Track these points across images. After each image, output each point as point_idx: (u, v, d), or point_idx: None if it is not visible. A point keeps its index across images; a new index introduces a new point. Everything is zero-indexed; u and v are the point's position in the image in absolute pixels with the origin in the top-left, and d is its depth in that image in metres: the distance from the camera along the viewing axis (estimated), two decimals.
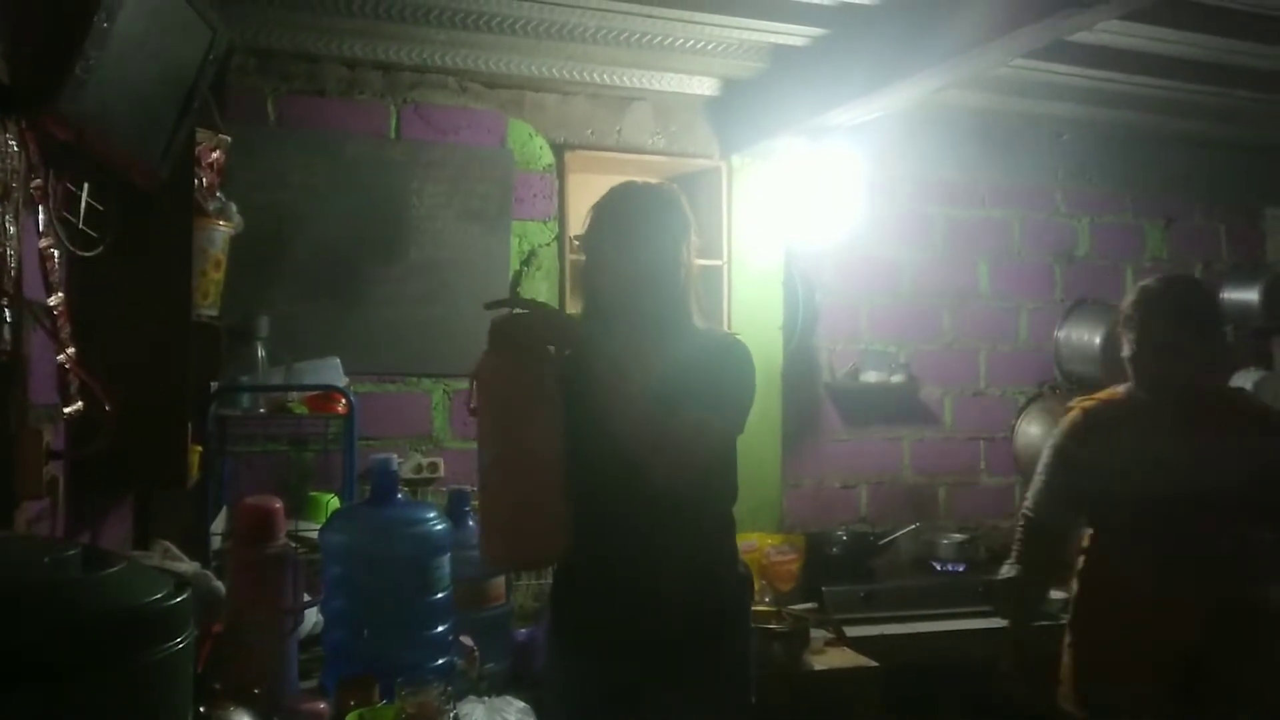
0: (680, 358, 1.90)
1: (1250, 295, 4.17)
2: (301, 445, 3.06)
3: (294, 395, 2.83)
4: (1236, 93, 3.42)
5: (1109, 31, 2.82)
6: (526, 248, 3.41)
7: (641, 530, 1.88)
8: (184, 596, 0.74)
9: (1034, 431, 3.96)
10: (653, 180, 2.12)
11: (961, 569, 3.53)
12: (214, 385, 2.65)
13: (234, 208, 2.54)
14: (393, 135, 3.29)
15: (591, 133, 3.51)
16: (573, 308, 3.39)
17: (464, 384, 3.26)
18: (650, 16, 2.84)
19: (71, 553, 0.76)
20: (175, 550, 2.24)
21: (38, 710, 0.66)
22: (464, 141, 3.35)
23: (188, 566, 2.18)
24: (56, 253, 1.76)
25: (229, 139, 2.49)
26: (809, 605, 3.20)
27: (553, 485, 1.82)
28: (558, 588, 2.04)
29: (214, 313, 2.45)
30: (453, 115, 3.35)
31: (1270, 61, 3.10)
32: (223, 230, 2.41)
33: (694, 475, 1.81)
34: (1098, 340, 3.92)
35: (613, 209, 1.99)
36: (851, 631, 3.06)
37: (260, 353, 2.83)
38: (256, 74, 3.14)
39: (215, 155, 2.39)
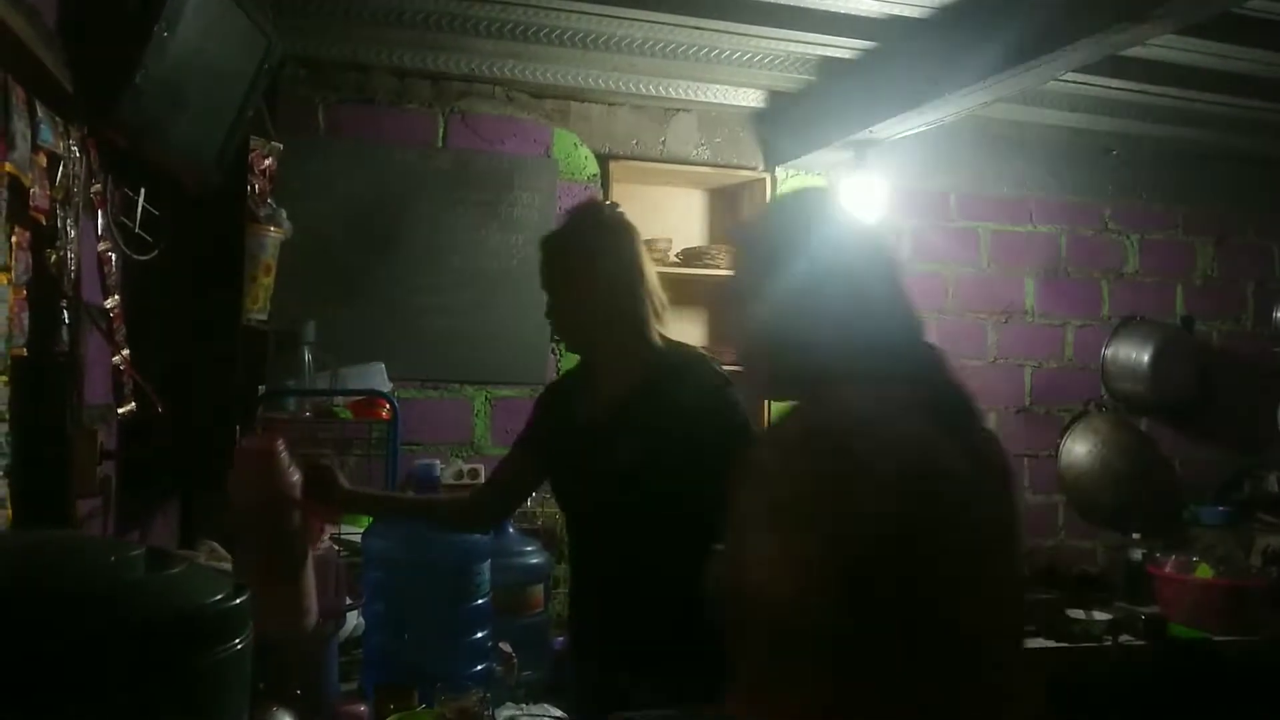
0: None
1: None
2: (345, 449, 3.09)
3: (339, 400, 2.86)
4: None
5: (1162, 46, 2.78)
6: None
7: (622, 555, 1.90)
8: (244, 598, 0.76)
9: (1079, 450, 3.90)
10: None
11: None
12: (261, 389, 2.69)
13: (284, 214, 2.57)
14: (439, 144, 3.32)
15: (636, 143, 3.52)
16: None
17: (506, 391, 3.32)
18: (697, 29, 2.85)
19: (136, 553, 0.77)
20: (221, 550, 2.27)
21: (105, 710, 0.68)
22: (510, 151, 3.38)
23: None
24: (114, 256, 1.80)
25: (281, 146, 2.53)
26: None
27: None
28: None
29: (263, 317, 2.49)
30: (499, 125, 3.38)
31: None
32: (273, 236, 2.45)
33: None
34: (1146, 358, 3.87)
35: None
36: None
37: (307, 357, 2.87)
38: (307, 84, 3.19)
39: (268, 162, 2.43)
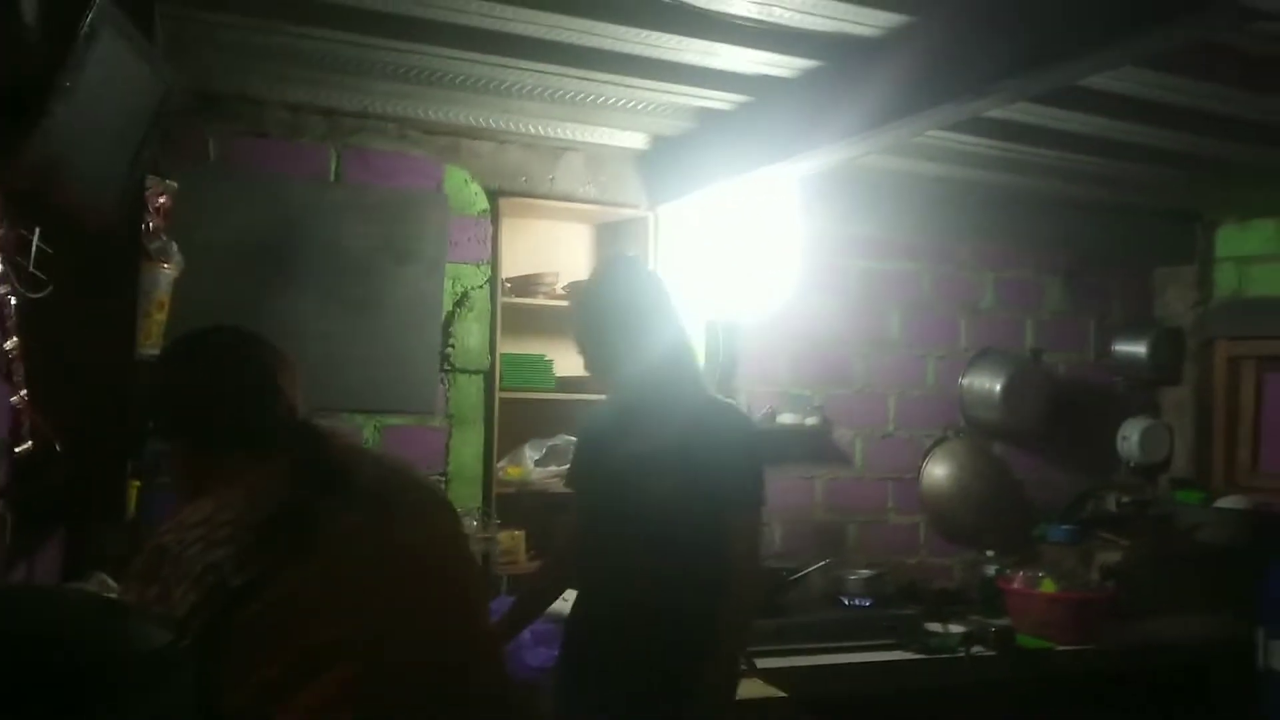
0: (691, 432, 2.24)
1: (1139, 348, 4.50)
2: None
3: None
4: (1126, 165, 3.70)
5: (1012, 110, 3.05)
6: (460, 289, 3.52)
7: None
8: (186, 641, 0.86)
9: (939, 473, 4.19)
10: (626, 254, 2.62)
11: (869, 604, 3.70)
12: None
13: (175, 247, 2.60)
14: (333, 178, 3.38)
15: (525, 180, 3.65)
16: (504, 347, 3.51)
17: (395, 420, 3.39)
18: (583, 79, 2.99)
19: (93, 605, 0.86)
20: (111, 582, 2.30)
21: None
22: (402, 185, 3.46)
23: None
24: (12, 300, 1.83)
25: (175, 185, 2.57)
26: None
27: None
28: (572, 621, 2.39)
29: (156, 352, 2.51)
30: (392, 160, 3.46)
31: (1155, 139, 3.37)
32: (166, 272, 2.48)
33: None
34: (999, 387, 4.18)
35: (619, 294, 2.40)
36: (763, 663, 3.18)
37: None
38: (200, 115, 3.21)
39: (162, 200, 2.47)
